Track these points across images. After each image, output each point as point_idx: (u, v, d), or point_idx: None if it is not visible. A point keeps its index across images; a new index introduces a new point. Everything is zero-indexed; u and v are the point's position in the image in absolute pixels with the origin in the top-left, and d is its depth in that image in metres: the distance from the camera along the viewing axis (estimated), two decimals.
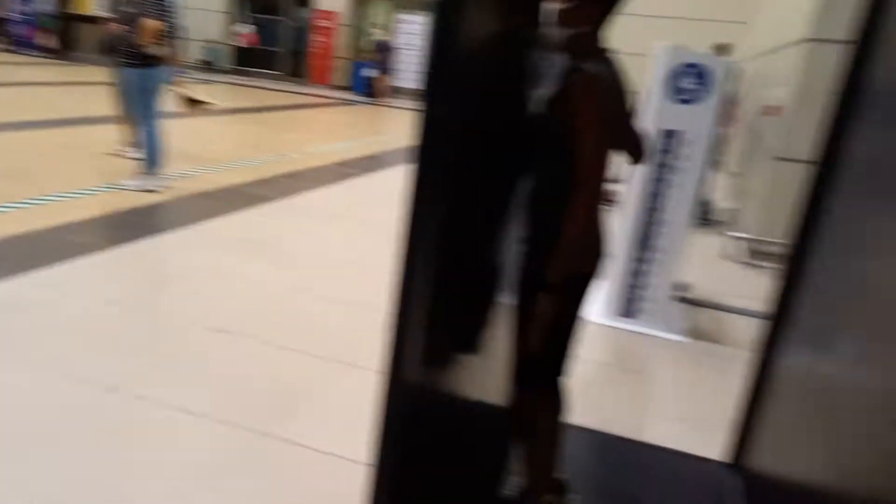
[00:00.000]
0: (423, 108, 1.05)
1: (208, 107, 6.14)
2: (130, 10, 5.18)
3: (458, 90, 1.13)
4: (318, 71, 17.02)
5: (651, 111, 3.45)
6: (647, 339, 3.53)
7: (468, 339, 1.64)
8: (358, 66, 16.14)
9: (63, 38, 17.27)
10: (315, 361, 2.87)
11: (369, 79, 15.38)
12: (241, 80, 16.48)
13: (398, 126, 12.01)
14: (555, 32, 1.69)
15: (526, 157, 1.77)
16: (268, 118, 10.86)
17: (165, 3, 5.15)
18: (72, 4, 18.35)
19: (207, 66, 17.50)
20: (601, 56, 1.66)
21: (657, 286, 3.56)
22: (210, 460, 2.14)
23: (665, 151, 3.43)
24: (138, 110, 5.35)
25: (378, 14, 17.57)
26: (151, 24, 4.95)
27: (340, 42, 16.81)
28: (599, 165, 1.60)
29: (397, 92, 16.03)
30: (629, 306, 3.62)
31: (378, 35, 15.16)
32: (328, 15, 16.56)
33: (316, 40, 16.79)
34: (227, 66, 17.86)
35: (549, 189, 1.72)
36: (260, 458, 2.19)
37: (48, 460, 2.05)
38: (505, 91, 1.57)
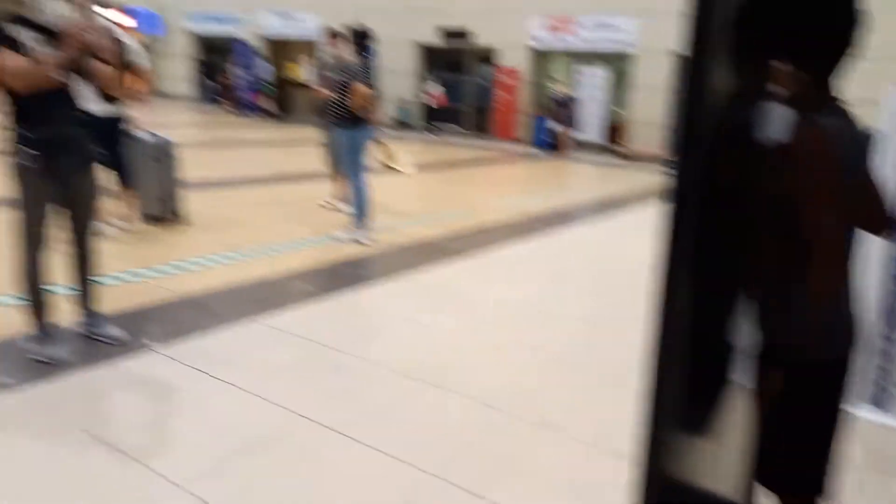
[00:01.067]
0: (676, 167, 0.99)
1: (402, 171, 6.58)
2: (341, 76, 5.72)
3: (704, 148, 1.05)
4: (502, 126, 17.55)
5: (891, 163, 3.04)
6: None
7: (704, 422, 1.50)
8: (539, 120, 16.39)
9: (280, 101, 19.55)
10: (520, 425, 2.82)
11: (551, 132, 15.54)
12: (430, 136, 17.46)
13: (582, 180, 11.94)
14: (778, 88, 1.52)
15: (752, 222, 1.60)
16: (457, 173, 11.34)
17: (372, 70, 5.61)
18: (286, 71, 20.79)
19: (400, 125, 18.79)
20: (831, 108, 1.45)
21: None
22: None
23: None
24: (347, 167, 5.82)
25: (558, 69, 17.80)
26: (363, 89, 5.41)
27: (522, 97, 17.23)
28: (833, 232, 1.41)
29: (579, 145, 16.01)
30: (880, 394, 3.16)
31: (559, 89, 15.37)
32: (510, 72, 17.10)
33: (499, 96, 17.38)
34: (417, 123, 19.04)
35: (775, 257, 1.53)
36: None
37: (259, 481, 2.20)
38: (736, 149, 1.45)
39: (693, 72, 1.00)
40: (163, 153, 5.70)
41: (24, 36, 2.82)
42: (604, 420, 2.86)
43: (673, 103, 1.03)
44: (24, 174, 2.93)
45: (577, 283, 5.07)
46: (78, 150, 3.08)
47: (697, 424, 1.46)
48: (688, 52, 0.99)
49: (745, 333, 1.63)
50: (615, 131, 16.14)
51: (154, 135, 5.74)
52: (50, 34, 2.89)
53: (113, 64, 2.98)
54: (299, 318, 3.87)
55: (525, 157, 14.69)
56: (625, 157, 15.27)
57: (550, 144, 15.62)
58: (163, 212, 5.74)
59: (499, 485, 2.37)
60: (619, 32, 15.75)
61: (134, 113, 5.79)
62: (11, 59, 2.75)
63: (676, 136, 1.03)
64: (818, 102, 1.46)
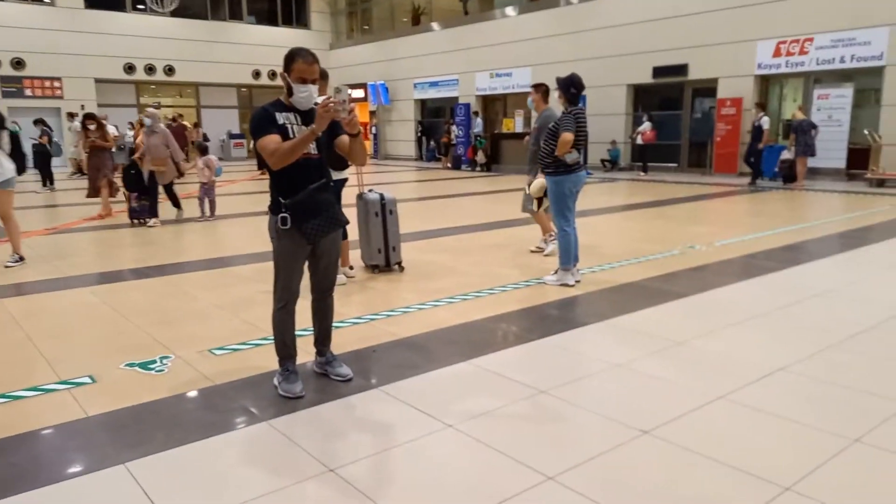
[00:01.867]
0: None
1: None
2: (544, 125, 5.82)
3: None
4: (722, 160, 16.44)
5: None
6: None
7: None
8: (767, 150, 15.05)
9: (489, 153, 20.45)
10: (749, 481, 2.55)
11: (781, 162, 14.20)
12: (640, 176, 16.92)
13: (818, 212, 10.67)
14: None
15: None
16: (668, 211, 10.81)
17: (581, 118, 5.63)
18: (501, 126, 21.76)
19: (608, 166, 18.51)
20: None
21: None
22: None
23: None
24: (554, 212, 5.86)
25: (788, 93, 16.28)
26: (566, 136, 5.45)
27: (746, 128, 16.02)
28: None
29: (813, 174, 14.39)
30: None
31: (792, 114, 14.04)
32: (733, 102, 16.02)
33: (719, 129, 16.34)
34: (625, 163, 18.60)
35: None
36: None
37: None
38: None
39: None
40: (384, 209, 6.26)
41: (282, 118, 3.33)
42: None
43: None
44: (279, 234, 3.41)
45: (805, 329, 4.49)
46: (326, 214, 3.40)
47: None
48: None
49: None
50: (860, 155, 14.26)
51: (376, 193, 6.34)
52: (302, 114, 3.37)
53: (352, 135, 3.36)
54: (509, 361, 3.93)
55: (749, 190, 13.55)
56: (876, 183, 13.39)
57: (778, 175, 14.27)
58: (383, 262, 6.26)
59: None
60: (862, 47, 14.02)
61: (357, 175, 6.45)
62: (274, 143, 3.22)
63: None
64: None
